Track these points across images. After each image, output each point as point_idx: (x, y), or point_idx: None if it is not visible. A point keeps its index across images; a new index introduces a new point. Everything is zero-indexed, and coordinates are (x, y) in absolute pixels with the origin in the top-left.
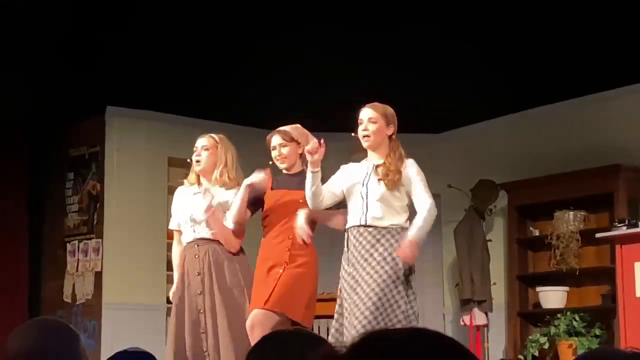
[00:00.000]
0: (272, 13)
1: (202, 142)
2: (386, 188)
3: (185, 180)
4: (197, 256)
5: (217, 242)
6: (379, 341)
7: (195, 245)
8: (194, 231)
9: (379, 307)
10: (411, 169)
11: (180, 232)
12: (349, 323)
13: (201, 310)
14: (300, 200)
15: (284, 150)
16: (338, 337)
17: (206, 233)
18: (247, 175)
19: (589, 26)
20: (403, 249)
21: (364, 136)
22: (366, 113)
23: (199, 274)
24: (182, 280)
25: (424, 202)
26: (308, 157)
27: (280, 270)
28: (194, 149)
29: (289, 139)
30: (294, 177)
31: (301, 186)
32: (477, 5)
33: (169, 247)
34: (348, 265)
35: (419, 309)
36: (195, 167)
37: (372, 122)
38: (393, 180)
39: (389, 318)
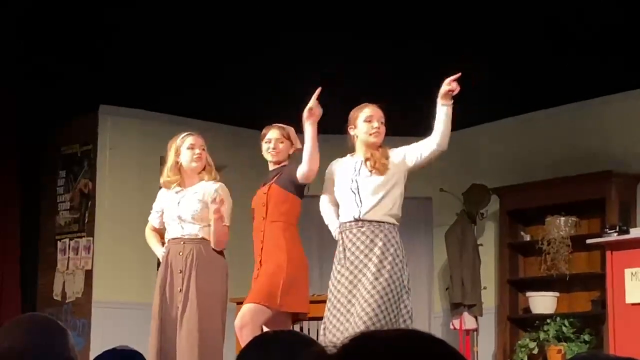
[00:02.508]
0: (267, 15)
1: (199, 141)
2: (378, 175)
3: (166, 181)
4: (181, 253)
5: (203, 242)
6: (370, 342)
7: (182, 243)
8: (182, 228)
9: (382, 307)
10: (394, 149)
11: (157, 228)
12: (350, 323)
13: (179, 307)
14: (264, 192)
15: (280, 145)
16: (329, 336)
17: (193, 231)
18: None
19: (580, 34)
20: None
21: (374, 134)
22: (379, 113)
23: (181, 272)
24: (166, 275)
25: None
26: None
27: (261, 263)
28: (191, 145)
29: (286, 136)
30: (273, 171)
31: (271, 179)
32: (470, 14)
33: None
34: (342, 265)
35: (412, 309)
36: (193, 164)
37: (382, 122)
38: (383, 164)
39: (390, 317)
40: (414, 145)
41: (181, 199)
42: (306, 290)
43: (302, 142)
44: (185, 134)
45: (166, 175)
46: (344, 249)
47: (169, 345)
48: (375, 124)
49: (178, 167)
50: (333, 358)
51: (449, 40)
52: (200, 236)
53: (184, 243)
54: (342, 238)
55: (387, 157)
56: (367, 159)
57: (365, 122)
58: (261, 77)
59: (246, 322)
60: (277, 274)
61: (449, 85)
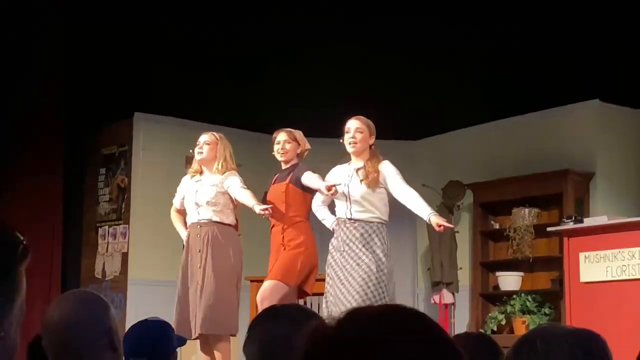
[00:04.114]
0: (281, 35)
1: (204, 137)
2: (367, 187)
3: (189, 171)
4: (198, 235)
5: (217, 225)
6: (361, 315)
7: (198, 226)
8: (198, 213)
9: (370, 287)
10: (387, 167)
11: (179, 209)
12: (340, 301)
13: (199, 282)
14: (282, 190)
15: (287, 146)
16: (330, 309)
17: (207, 216)
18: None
19: (544, 52)
20: (442, 224)
21: (351, 143)
22: (354, 124)
23: (199, 251)
24: (187, 255)
25: (408, 189)
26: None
27: (280, 251)
28: (197, 143)
29: (293, 138)
30: (285, 170)
31: (286, 178)
32: (452, 30)
33: None
34: (336, 252)
35: (394, 291)
36: (197, 157)
37: (359, 131)
38: (372, 179)
39: (377, 296)
40: (398, 183)
41: (199, 187)
42: (315, 275)
43: (310, 144)
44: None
45: (192, 166)
46: (340, 240)
47: (190, 314)
48: (351, 134)
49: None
50: (330, 330)
51: (432, 58)
52: (214, 220)
53: (200, 226)
54: (339, 230)
55: (377, 171)
56: (358, 169)
57: (346, 133)
58: (275, 89)
59: (266, 296)
60: (296, 257)
61: (439, 228)
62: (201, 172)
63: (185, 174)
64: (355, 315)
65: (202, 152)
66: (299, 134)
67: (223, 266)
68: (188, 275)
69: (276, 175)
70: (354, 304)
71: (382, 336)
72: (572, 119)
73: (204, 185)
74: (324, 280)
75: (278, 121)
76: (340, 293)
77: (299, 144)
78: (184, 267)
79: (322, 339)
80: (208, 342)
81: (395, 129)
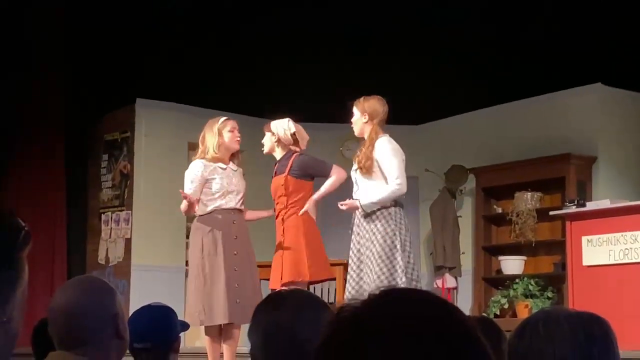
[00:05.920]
0: (281, 25)
1: (238, 127)
2: (362, 176)
3: (215, 158)
4: (235, 222)
5: (242, 213)
6: (393, 293)
7: (232, 212)
8: (233, 200)
9: (385, 270)
10: (380, 150)
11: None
12: (358, 284)
13: (236, 268)
14: (282, 184)
15: (262, 141)
16: (347, 296)
17: (239, 203)
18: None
19: (546, 36)
20: (349, 203)
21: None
22: (352, 109)
23: (236, 238)
24: (221, 240)
25: (390, 183)
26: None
27: (283, 245)
28: (237, 132)
29: (267, 129)
30: (281, 161)
31: (285, 170)
32: (454, 15)
33: (189, 218)
34: (354, 236)
35: (418, 273)
36: (236, 145)
37: (353, 115)
38: (366, 167)
39: (395, 281)
40: (386, 176)
41: (232, 174)
42: (325, 257)
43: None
44: (225, 118)
45: (213, 151)
46: (354, 224)
47: (229, 299)
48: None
49: (220, 146)
50: (355, 310)
51: (435, 47)
52: (241, 208)
53: (234, 212)
54: (353, 215)
55: (370, 159)
56: (355, 156)
57: None
58: (276, 74)
59: None
60: (300, 251)
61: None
62: (219, 160)
63: (187, 160)
64: (387, 292)
65: (239, 142)
66: (276, 122)
67: (253, 251)
68: (222, 262)
69: (276, 166)
70: (379, 281)
71: (402, 320)
72: (574, 102)
73: (235, 173)
74: (337, 265)
75: (278, 107)
76: (358, 277)
77: (273, 133)
78: (211, 253)
79: (344, 321)
80: (218, 329)
81: (398, 114)
